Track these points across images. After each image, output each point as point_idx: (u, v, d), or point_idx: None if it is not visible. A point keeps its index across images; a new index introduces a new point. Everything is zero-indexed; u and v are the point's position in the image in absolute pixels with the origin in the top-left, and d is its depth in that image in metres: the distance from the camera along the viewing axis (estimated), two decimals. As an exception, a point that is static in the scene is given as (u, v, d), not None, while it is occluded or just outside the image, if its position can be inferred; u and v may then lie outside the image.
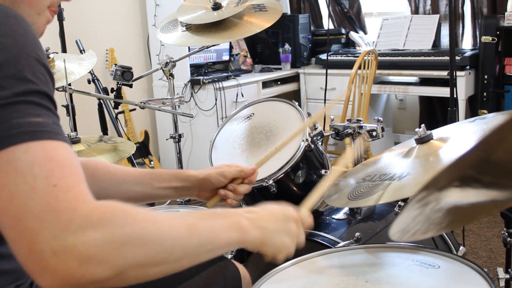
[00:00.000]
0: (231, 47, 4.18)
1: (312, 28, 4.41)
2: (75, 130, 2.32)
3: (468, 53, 3.41)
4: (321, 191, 1.04)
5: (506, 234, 1.46)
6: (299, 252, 1.06)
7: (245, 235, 0.76)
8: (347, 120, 1.54)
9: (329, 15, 4.01)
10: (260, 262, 1.38)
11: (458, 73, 3.25)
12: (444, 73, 3.34)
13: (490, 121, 1.11)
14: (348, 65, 3.60)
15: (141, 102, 2.03)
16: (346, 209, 1.50)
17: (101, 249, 0.56)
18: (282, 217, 0.85)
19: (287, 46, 4.15)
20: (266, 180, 1.35)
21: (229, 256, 1.43)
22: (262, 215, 0.83)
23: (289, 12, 4.53)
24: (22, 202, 0.55)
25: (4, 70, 0.59)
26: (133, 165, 2.73)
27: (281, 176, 1.36)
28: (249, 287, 1.07)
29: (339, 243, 1.30)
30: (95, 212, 0.58)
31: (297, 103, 1.52)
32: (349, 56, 3.89)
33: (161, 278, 0.64)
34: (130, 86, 2.01)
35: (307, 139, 1.38)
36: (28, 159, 0.57)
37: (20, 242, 0.55)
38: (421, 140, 1.12)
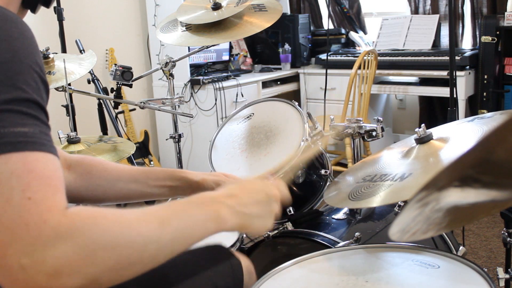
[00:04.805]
0: (231, 47, 4.18)
1: (312, 28, 4.41)
2: (75, 130, 2.32)
3: (468, 53, 3.41)
4: (293, 159, 1.02)
5: (506, 234, 1.46)
6: (299, 253, 1.06)
7: (223, 224, 0.75)
8: (347, 120, 1.54)
9: (329, 15, 4.01)
10: (261, 260, 1.38)
11: (458, 73, 3.25)
12: (444, 73, 3.34)
13: (488, 120, 1.11)
14: (348, 65, 3.61)
15: (141, 102, 2.03)
16: (346, 209, 1.50)
17: (70, 261, 0.55)
18: (264, 198, 0.84)
19: (287, 46, 4.15)
20: (266, 180, 1.35)
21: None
22: (243, 199, 0.81)
23: (289, 12, 4.53)
24: None
25: None
26: (132, 165, 2.73)
27: (281, 176, 1.36)
28: (253, 278, 1.05)
29: (339, 243, 1.29)
30: (63, 222, 0.56)
31: (297, 103, 1.53)
32: (349, 56, 3.89)
33: (159, 275, 0.63)
34: (130, 86, 2.01)
35: (307, 139, 1.38)
36: (7, 171, 0.56)
37: None
38: (421, 140, 1.12)
